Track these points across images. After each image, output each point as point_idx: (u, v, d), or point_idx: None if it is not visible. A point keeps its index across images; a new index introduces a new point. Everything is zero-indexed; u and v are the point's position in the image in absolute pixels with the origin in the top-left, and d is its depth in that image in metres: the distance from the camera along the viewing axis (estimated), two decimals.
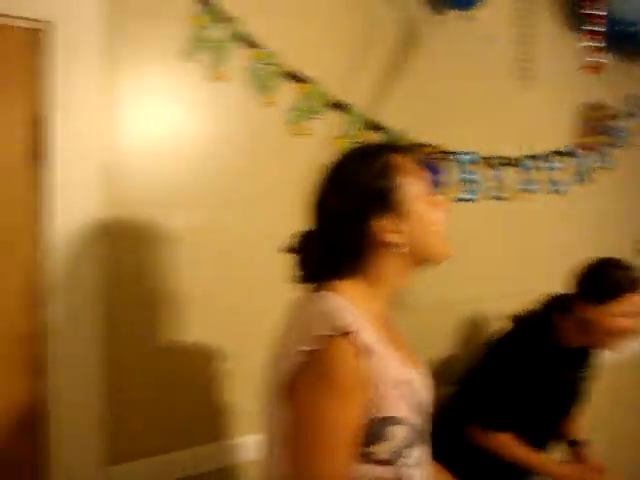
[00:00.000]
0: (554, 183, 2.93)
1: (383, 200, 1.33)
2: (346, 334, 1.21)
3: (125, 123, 1.84)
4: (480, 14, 2.50)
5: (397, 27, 2.39)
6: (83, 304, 1.77)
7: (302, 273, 1.45)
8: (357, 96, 2.27)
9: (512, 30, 2.78)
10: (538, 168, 2.84)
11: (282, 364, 1.30)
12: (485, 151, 2.65)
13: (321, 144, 2.19)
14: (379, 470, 1.29)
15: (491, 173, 2.67)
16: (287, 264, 2.11)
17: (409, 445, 1.31)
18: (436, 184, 2.46)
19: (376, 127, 2.31)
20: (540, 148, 2.88)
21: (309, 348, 1.22)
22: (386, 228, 1.33)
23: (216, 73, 1.97)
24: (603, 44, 2.52)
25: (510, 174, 2.75)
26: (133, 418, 1.88)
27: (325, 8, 2.21)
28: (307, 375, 1.24)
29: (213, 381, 2.03)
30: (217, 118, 2.01)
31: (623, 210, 3.39)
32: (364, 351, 1.23)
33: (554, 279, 2.91)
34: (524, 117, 2.83)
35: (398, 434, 1.29)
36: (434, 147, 2.46)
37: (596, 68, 2.57)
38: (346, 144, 2.21)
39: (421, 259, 1.40)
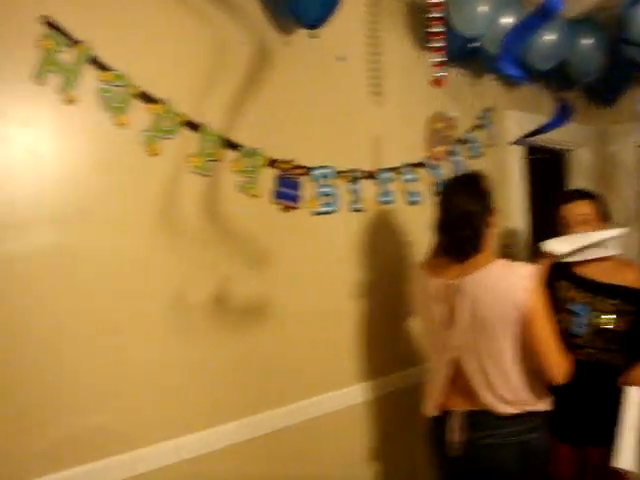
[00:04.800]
0: (410, 194, 3.07)
1: (491, 205, 2.44)
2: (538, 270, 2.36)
3: None
4: (329, 32, 2.61)
5: (248, 46, 2.47)
6: None
7: (461, 252, 2.41)
8: (211, 115, 2.34)
9: (362, 48, 2.92)
10: (392, 180, 2.97)
11: (506, 303, 2.29)
12: (341, 165, 2.76)
13: (176, 163, 2.25)
14: None
15: (348, 186, 2.78)
16: (143, 280, 2.18)
17: None
18: (293, 198, 2.55)
19: (231, 145, 2.38)
20: (395, 160, 3.02)
21: (531, 285, 2.29)
22: (493, 220, 2.44)
23: (67, 96, 2.00)
24: (445, 59, 2.68)
25: (367, 187, 2.87)
26: None
27: (175, 29, 2.28)
28: (535, 297, 2.29)
29: None
30: (70, 141, 2.03)
31: None
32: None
33: None
34: (378, 131, 2.97)
35: None
36: (289, 162, 2.55)
37: (440, 81, 2.74)
38: (201, 163, 2.28)
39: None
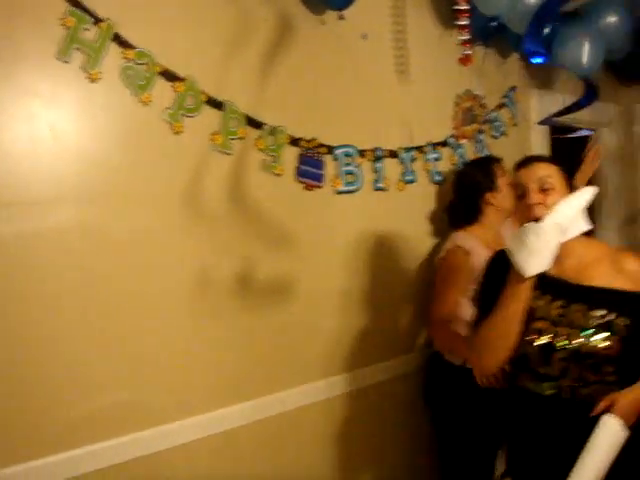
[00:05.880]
0: (433, 173, 3.06)
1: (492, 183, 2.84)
2: (458, 247, 2.75)
3: None
4: (355, 12, 2.58)
5: (272, 24, 2.45)
6: None
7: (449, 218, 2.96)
8: (234, 93, 2.33)
9: (387, 27, 2.89)
10: (415, 159, 2.96)
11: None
12: (365, 144, 2.75)
13: (199, 142, 2.25)
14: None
15: (370, 165, 2.77)
16: (167, 258, 2.17)
17: None
18: (316, 177, 2.54)
19: (254, 123, 2.37)
20: (422, 139, 3.00)
21: (443, 255, 2.79)
22: (493, 197, 2.83)
23: (91, 73, 1.99)
24: (470, 37, 2.65)
25: (390, 166, 2.86)
26: None
27: (197, 6, 2.26)
28: (439, 266, 2.81)
29: None
30: (93, 118, 2.03)
31: None
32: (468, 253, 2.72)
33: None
34: (403, 109, 2.95)
35: None
36: (312, 141, 2.54)
37: (467, 60, 2.71)
38: (224, 141, 2.28)
39: (506, 215, 2.83)
